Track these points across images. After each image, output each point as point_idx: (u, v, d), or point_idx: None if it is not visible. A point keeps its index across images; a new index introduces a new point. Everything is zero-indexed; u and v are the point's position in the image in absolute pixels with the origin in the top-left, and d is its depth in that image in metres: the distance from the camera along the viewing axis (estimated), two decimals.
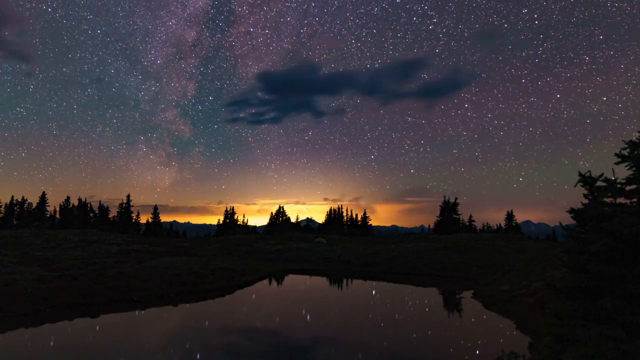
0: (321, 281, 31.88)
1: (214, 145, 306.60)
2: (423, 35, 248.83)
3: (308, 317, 18.86)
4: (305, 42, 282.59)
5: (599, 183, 7.44)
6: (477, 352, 13.17)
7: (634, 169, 7.05)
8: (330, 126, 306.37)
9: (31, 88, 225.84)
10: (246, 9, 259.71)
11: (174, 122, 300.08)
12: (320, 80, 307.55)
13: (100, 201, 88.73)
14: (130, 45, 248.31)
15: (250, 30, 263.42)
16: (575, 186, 7.62)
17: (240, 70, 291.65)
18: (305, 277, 33.31)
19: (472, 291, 24.96)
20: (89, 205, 72.92)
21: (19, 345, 13.32)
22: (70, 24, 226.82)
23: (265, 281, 29.43)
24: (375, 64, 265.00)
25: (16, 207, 67.94)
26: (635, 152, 7.04)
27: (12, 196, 70.22)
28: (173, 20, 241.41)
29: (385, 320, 17.96)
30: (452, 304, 22.84)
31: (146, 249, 35.98)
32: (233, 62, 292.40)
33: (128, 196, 72.84)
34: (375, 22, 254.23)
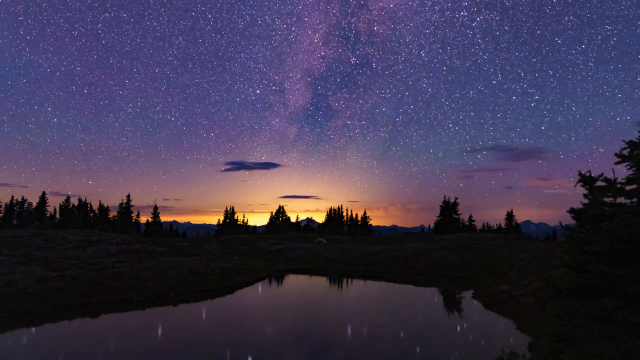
0: (321, 281, 31.87)
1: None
2: (525, 114, 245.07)
3: (308, 318, 18.85)
4: (401, 129, 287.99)
5: (599, 183, 7.43)
6: (477, 351, 13.17)
7: (634, 168, 7.05)
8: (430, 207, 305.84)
9: (155, 188, 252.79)
10: (343, 104, 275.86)
11: None
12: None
13: (100, 201, 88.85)
14: (239, 144, 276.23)
15: (347, 122, 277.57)
16: (575, 186, 7.61)
17: (340, 161, 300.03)
18: (306, 277, 33.29)
19: (472, 291, 24.96)
20: (89, 205, 72.91)
21: (19, 345, 13.32)
22: (189, 129, 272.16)
23: (266, 281, 29.42)
24: (477, 146, 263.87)
25: (16, 207, 67.91)
26: (635, 152, 7.04)
27: (12, 196, 70.32)
28: (276, 119, 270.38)
29: (384, 321, 17.97)
30: (452, 304, 22.83)
31: (146, 249, 35.98)
32: (332, 153, 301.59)
33: (128, 196, 72.82)
34: (472, 105, 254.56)
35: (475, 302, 21.82)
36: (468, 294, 24.34)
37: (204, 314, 19.07)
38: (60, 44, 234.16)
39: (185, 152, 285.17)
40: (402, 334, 15.44)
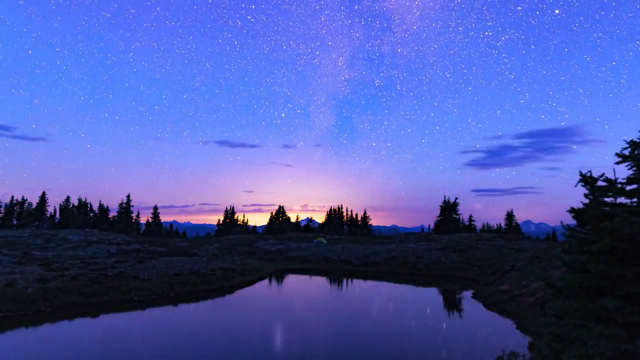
0: (321, 281, 31.87)
1: None
2: (556, 133, 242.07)
3: (307, 318, 18.85)
4: (427, 150, 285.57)
5: (599, 183, 7.42)
6: (478, 352, 13.16)
7: (634, 168, 7.04)
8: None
9: (184, 204, 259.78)
10: (368, 126, 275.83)
11: None
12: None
13: (100, 201, 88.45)
14: (264, 165, 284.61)
15: (372, 144, 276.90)
16: (575, 186, 7.60)
17: (365, 183, 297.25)
18: (306, 277, 33.30)
19: (472, 291, 24.95)
20: (89, 205, 72.91)
21: (19, 345, 13.31)
22: (216, 152, 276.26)
23: (266, 281, 29.41)
24: (506, 165, 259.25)
25: (16, 207, 67.92)
26: (636, 152, 7.03)
27: (12, 196, 70.30)
28: (302, 142, 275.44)
29: (384, 320, 17.96)
30: (452, 304, 22.83)
31: (146, 249, 35.98)
32: (358, 175, 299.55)
33: (128, 196, 72.78)
34: (500, 124, 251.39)
35: (475, 302, 21.81)
36: (468, 294, 24.33)
37: (204, 314, 19.07)
38: (93, 72, 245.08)
39: (211, 175, 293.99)
40: (401, 335, 15.43)
